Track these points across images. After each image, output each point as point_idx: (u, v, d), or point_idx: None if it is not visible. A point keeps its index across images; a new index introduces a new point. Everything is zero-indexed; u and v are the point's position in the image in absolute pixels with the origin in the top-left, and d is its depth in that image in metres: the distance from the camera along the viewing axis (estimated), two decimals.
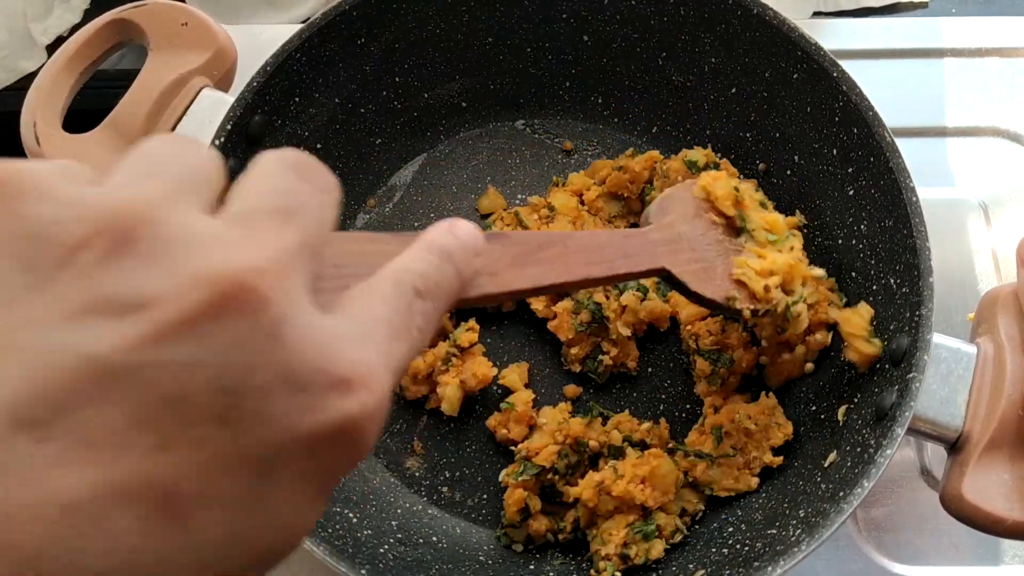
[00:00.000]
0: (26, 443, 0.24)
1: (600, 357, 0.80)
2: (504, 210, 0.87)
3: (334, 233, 0.36)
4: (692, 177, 0.78)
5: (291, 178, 0.33)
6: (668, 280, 0.66)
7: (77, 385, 0.25)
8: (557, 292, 0.60)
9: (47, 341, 0.25)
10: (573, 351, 0.80)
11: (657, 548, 0.72)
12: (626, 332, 0.79)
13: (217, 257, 0.28)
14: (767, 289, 0.67)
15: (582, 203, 0.86)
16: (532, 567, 0.74)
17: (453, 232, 0.42)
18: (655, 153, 0.86)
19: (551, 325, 0.81)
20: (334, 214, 0.35)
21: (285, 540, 0.30)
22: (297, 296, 0.30)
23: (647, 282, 0.81)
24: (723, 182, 0.70)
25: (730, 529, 0.73)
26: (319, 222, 0.33)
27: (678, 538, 0.73)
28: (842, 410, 0.73)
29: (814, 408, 0.76)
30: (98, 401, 0.25)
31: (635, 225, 0.83)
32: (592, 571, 0.73)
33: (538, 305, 0.81)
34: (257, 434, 0.28)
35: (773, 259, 0.69)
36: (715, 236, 0.70)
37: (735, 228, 0.70)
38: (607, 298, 0.80)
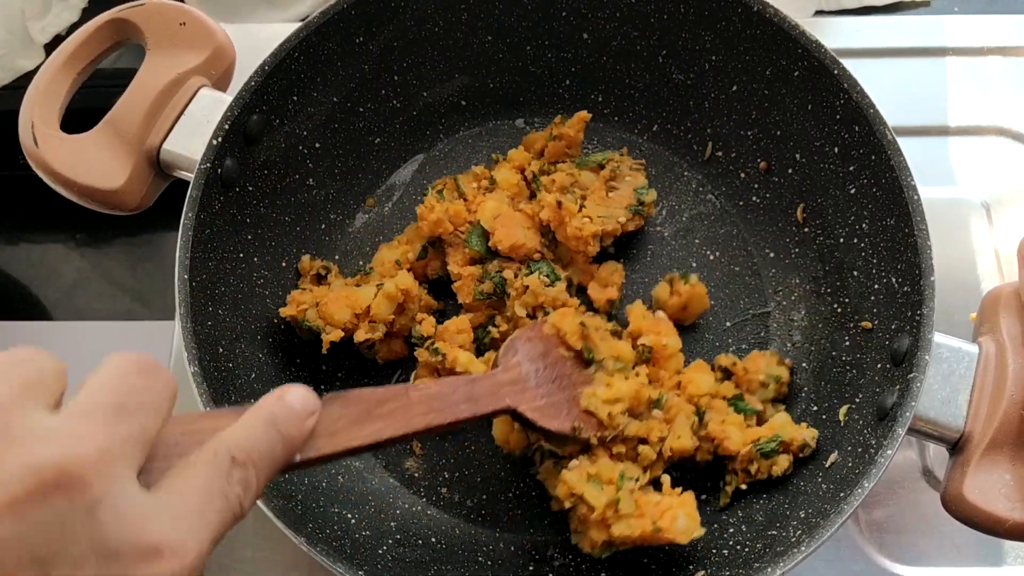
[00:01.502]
0: None
1: (490, 328, 0.80)
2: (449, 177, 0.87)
3: (175, 416, 0.42)
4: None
5: (131, 378, 0.39)
6: (515, 417, 0.69)
7: None
8: (399, 442, 0.63)
9: None
10: (468, 316, 0.81)
11: (782, 464, 0.73)
12: (521, 312, 0.79)
13: (47, 450, 0.32)
14: (611, 416, 0.71)
15: (525, 179, 0.85)
16: (532, 568, 0.74)
17: (282, 398, 0.47)
18: (584, 114, 0.85)
19: (455, 285, 0.81)
20: (170, 407, 0.41)
21: None
22: (119, 479, 0.34)
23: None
24: (570, 319, 0.73)
25: (730, 530, 0.72)
26: (153, 414, 0.39)
27: (806, 451, 0.73)
28: (843, 410, 0.72)
29: (815, 408, 0.76)
30: None
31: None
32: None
33: (453, 267, 0.81)
34: None
35: (619, 387, 0.72)
36: (565, 370, 0.73)
37: (584, 360, 0.74)
38: (515, 275, 0.80)
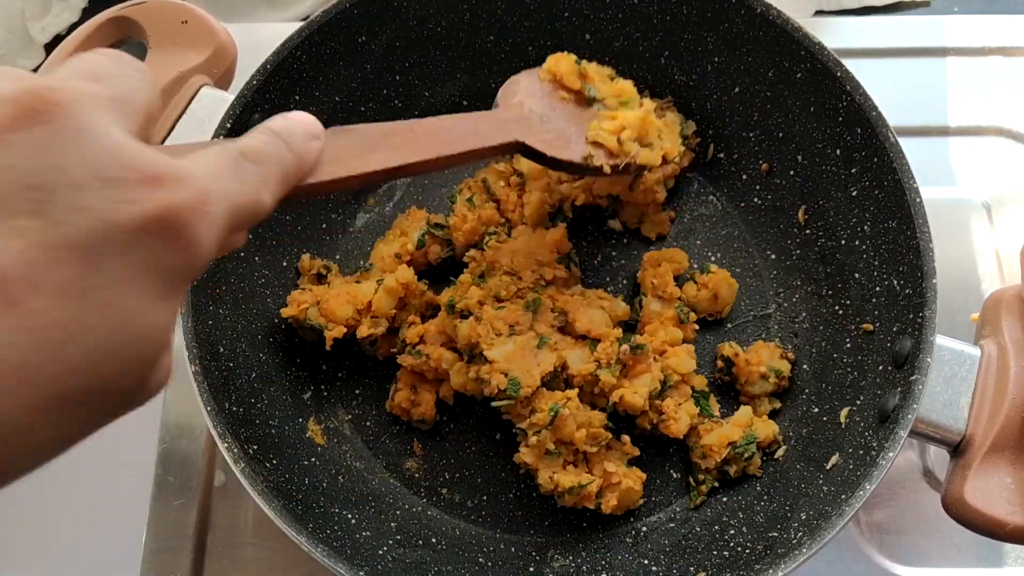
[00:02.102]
0: None
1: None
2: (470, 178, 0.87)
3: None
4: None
5: (104, 60, 0.38)
6: (524, 152, 0.69)
7: None
8: (410, 174, 0.62)
9: None
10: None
11: (755, 464, 0.75)
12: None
13: (21, 83, 0.32)
14: (621, 143, 0.72)
15: None
16: (532, 569, 0.74)
17: (287, 117, 0.47)
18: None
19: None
20: (143, 86, 0.39)
21: (133, 335, 0.32)
22: (100, 118, 0.33)
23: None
24: (566, 61, 0.74)
25: (731, 531, 0.72)
26: (125, 85, 0.37)
27: (775, 447, 0.76)
28: (844, 412, 0.72)
29: (816, 410, 0.76)
30: None
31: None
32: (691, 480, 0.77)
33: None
34: (75, 223, 0.30)
35: (624, 117, 0.73)
36: (566, 110, 0.73)
37: (586, 100, 0.74)
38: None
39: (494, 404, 0.72)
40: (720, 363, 0.80)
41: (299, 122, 0.48)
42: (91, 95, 0.34)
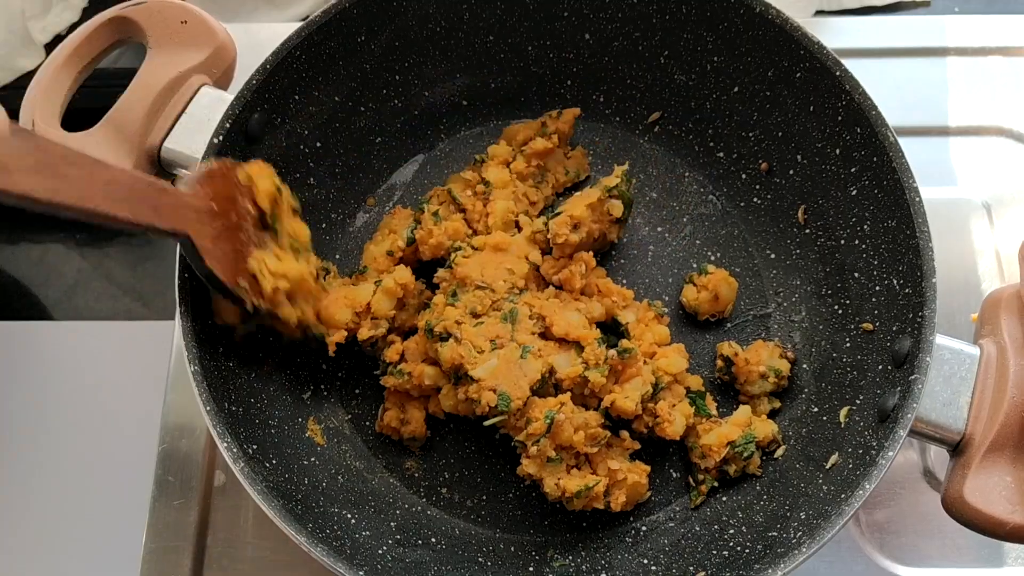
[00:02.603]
0: None
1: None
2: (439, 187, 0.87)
3: None
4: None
5: None
6: (186, 247, 0.66)
7: None
8: (73, 216, 0.57)
9: None
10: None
11: (755, 463, 0.75)
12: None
13: None
14: (274, 291, 0.70)
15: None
16: (532, 568, 0.74)
17: None
18: (575, 110, 0.87)
19: None
20: None
21: None
22: None
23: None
24: (268, 178, 0.72)
25: (731, 531, 0.72)
26: None
27: (774, 447, 0.76)
28: (844, 412, 0.72)
29: (815, 410, 0.76)
30: None
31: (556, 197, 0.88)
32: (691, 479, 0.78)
33: None
34: None
35: (289, 264, 0.72)
36: (245, 223, 0.70)
37: (264, 223, 0.72)
38: None
39: (487, 423, 0.72)
40: (720, 362, 0.80)
41: None
42: None
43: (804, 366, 0.80)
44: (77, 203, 0.54)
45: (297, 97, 0.79)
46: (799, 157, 0.81)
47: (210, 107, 0.77)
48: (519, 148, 0.87)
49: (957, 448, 0.66)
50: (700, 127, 0.87)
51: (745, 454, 0.74)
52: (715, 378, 0.81)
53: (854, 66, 0.75)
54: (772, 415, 0.79)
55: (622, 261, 0.86)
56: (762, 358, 0.79)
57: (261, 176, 0.71)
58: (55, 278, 0.99)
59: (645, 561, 0.73)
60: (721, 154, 0.87)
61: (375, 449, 0.80)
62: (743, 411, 0.77)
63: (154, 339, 0.89)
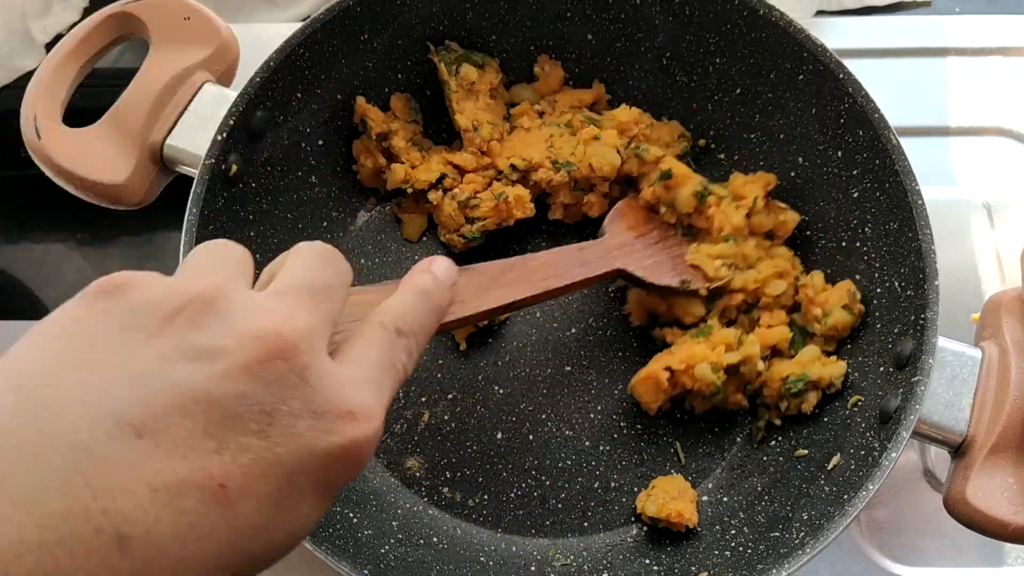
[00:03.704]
0: (128, 440, 0.34)
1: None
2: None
3: None
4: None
5: (319, 263, 0.46)
6: (626, 278, 0.76)
7: (168, 403, 0.35)
8: (521, 307, 0.69)
9: (151, 373, 0.36)
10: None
11: (810, 402, 0.75)
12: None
13: (267, 320, 0.39)
14: (716, 269, 0.78)
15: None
16: (533, 568, 0.74)
17: (431, 270, 0.54)
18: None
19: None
20: (347, 291, 0.47)
21: (297, 534, 0.40)
22: (319, 351, 0.41)
23: None
24: (688, 187, 0.79)
25: (732, 531, 0.72)
26: (338, 297, 0.45)
27: (832, 389, 0.75)
28: (845, 412, 0.73)
29: (816, 410, 0.76)
30: (180, 416, 0.35)
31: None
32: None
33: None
34: (286, 447, 0.38)
35: (723, 246, 0.79)
36: (669, 236, 0.81)
37: (690, 233, 0.81)
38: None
39: None
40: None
41: (444, 276, 0.55)
42: (314, 332, 0.41)
43: None
44: (522, 296, 0.65)
45: (300, 95, 0.79)
46: (801, 159, 0.81)
47: (213, 104, 0.77)
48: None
49: (959, 449, 0.66)
50: (702, 128, 0.87)
51: (793, 391, 0.75)
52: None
53: (854, 66, 0.75)
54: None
55: None
56: (830, 300, 0.77)
57: (680, 189, 0.79)
58: (55, 278, 0.99)
59: (647, 561, 0.73)
60: (722, 155, 0.87)
61: (376, 449, 0.79)
62: (810, 350, 0.77)
63: None
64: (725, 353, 0.75)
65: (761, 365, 0.75)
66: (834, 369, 0.75)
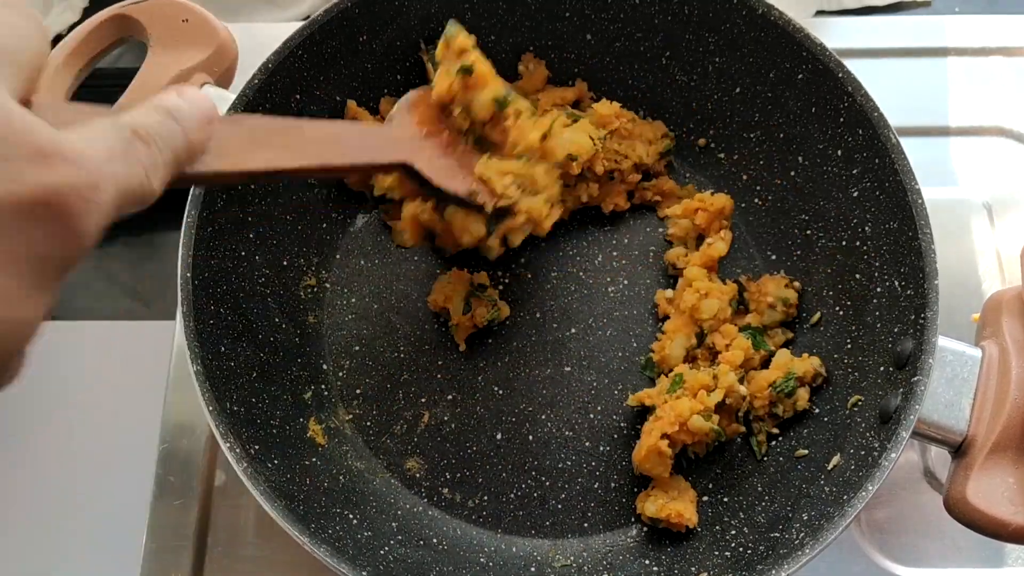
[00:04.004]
0: None
1: None
2: None
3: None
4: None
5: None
6: (411, 175, 0.68)
7: None
8: (293, 177, 0.63)
9: None
10: None
11: (803, 398, 0.75)
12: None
13: None
14: (505, 186, 0.72)
15: None
16: (533, 569, 0.74)
17: (180, 93, 0.44)
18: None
19: None
20: (34, 34, 0.36)
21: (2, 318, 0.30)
22: None
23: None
24: (488, 91, 0.72)
25: (732, 532, 0.72)
26: (13, 35, 0.35)
27: (819, 380, 0.77)
28: (845, 412, 0.72)
29: (816, 410, 0.76)
30: None
31: None
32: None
33: None
34: None
35: (514, 164, 0.73)
36: (456, 143, 0.72)
37: (480, 144, 0.74)
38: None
39: None
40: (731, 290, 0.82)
41: (196, 103, 0.45)
42: None
43: None
44: (291, 165, 0.57)
45: (299, 96, 0.79)
46: (800, 159, 0.81)
47: None
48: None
49: (959, 449, 0.66)
50: (701, 128, 0.87)
51: (787, 390, 0.75)
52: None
53: (854, 66, 0.75)
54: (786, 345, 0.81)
55: (624, 262, 0.86)
56: (770, 289, 0.81)
57: (478, 91, 0.72)
58: None
59: (647, 562, 0.73)
60: (722, 155, 0.87)
61: (376, 449, 0.79)
62: (782, 354, 0.77)
63: (154, 339, 0.89)
64: (708, 396, 0.74)
65: (743, 389, 0.75)
66: (810, 364, 0.76)
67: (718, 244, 0.83)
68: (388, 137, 0.68)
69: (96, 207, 0.33)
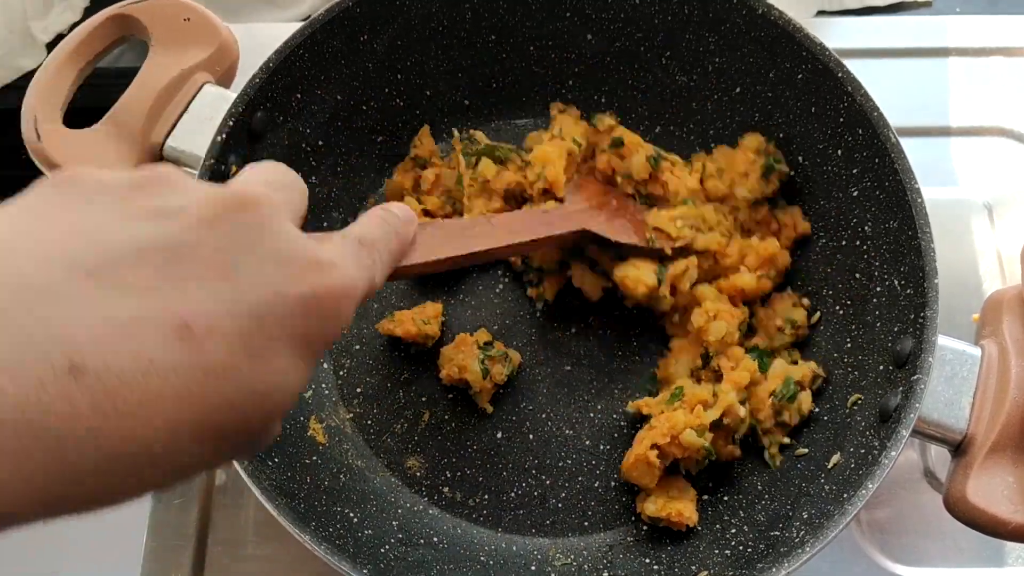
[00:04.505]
0: (81, 281, 0.33)
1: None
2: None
3: None
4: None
5: (281, 173, 0.47)
6: (592, 239, 0.77)
7: (124, 250, 0.35)
8: (486, 259, 0.70)
9: (109, 227, 0.36)
10: None
11: (806, 402, 0.75)
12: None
13: (228, 188, 0.41)
14: (678, 228, 0.79)
15: None
16: (534, 568, 0.74)
17: (387, 208, 0.55)
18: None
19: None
20: (304, 196, 0.48)
21: (278, 386, 0.38)
22: (282, 216, 0.41)
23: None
24: (640, 157, 0.80)
25: (732, 530, 0.72)
26: (297, 195, 0.47)
27: (818, 382, 0.77)
28: (845, 411, 0.72)
29: (816, 410, 0.76)
30: (136, 259, 0.35)
31: None
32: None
33: None
34: (252, 289, 0.37)
35: (681, 208, 0.80)
36: (627, 206, 0.81)
37: (648, 201, 0.82)
38: None
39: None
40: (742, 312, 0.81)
41: (400, 211, 0.56)
42: (277, 200, 0.42)
43: None
44: (486, 247, 0.67)
45: (299, 95, 0.79)
46: (800, 158, 0.81)
47: (213, 105, 0.77)
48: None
49: (959, 448, 0.66)
50: (702, 128, 0.87)
51: (788, 395, 0.74)
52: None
53: (855, 66, 0.75)
54: None
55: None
56: (777, 311, 0.80)
57: (632, 157, 0.80)
58: None
59: (647, 560, 0.73)
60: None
61: (376, 448, 0.80)
62: (777, 363, 0.77)
63: None
64: (705, 412, 0.73)
65: (742, 411, 0.74)
66: (807, 368, 0.76)
67: (746, 276, 0.80)
68: (564, 212, 0.76)
69: (353, 302, 0.43)
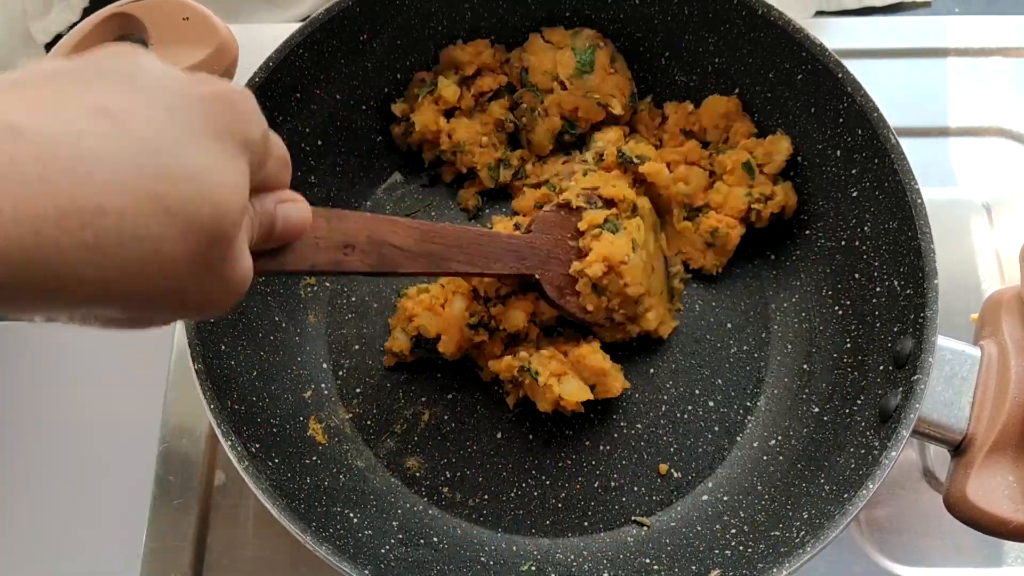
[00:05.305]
0: (3, 86, 0.37)
1: None
2: None
3: None
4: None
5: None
6: (533, 287, 0.75)
7: (51, 69, 0.38)
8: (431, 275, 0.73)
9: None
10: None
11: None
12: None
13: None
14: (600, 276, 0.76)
15: None
16: (534, 568, 0.74)
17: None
18: None
19: None
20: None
21: (207, 171, 0.39)
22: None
23: None
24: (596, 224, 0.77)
25: (733, 530, 0.72)
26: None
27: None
28: (845, 411, 0.72)
29: (816, 410, 0.76)
30: (54, 74, 0.38)
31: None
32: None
33: None
34: (158, 94, 0.39)
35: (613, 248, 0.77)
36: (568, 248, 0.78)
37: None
38: None
39: None
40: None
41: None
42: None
43: (804, 366, 0.80)
44: (430, 271, 0.66)
45: (299, 95, 0.79)
46: (800, 159, 0.81)
47: None
48: None
49: (959, 448, 0.66)
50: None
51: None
52: None
53: (854, 66, 0.75)
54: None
55: None
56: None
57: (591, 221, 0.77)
58: None
59: (647, 560, 0.73)
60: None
61: (376, 448, 0.79)
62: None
63: (154, 339, 0.88)
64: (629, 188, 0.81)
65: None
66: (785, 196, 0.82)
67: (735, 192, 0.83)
68: (524, 247, 0.73)
69: (254, 101, 0.45)
